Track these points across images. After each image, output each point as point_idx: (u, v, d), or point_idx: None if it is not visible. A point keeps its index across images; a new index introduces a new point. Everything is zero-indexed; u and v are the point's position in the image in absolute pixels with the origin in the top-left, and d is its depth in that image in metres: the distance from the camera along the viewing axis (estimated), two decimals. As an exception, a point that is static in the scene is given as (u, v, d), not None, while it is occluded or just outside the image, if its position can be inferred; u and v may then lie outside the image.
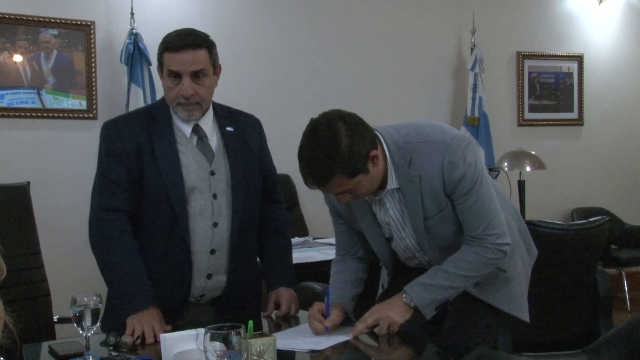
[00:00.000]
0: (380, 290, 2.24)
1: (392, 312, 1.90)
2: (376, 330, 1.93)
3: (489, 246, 1.91)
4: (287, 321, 2.15)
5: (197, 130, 2.12)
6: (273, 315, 2.18)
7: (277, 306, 2.19)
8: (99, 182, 2.09)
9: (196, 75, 2.04)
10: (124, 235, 2.04)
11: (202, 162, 2.10)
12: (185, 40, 2.02)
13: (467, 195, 1.88)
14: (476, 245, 1.91)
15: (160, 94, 4.14)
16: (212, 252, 2.11)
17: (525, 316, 2.07)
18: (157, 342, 1.84)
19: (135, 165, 2.05)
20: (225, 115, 2.19)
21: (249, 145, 2.20)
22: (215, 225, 2.10)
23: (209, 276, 2.12)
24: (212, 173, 2.11)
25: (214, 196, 2.10)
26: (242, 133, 2.20)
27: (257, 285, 2.30)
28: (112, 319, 2.01)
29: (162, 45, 2.06)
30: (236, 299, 2.17)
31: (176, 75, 2.04)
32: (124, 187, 2.05)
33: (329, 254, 3.62)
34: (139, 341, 1.89)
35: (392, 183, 1.90)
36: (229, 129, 2.17)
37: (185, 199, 2.06)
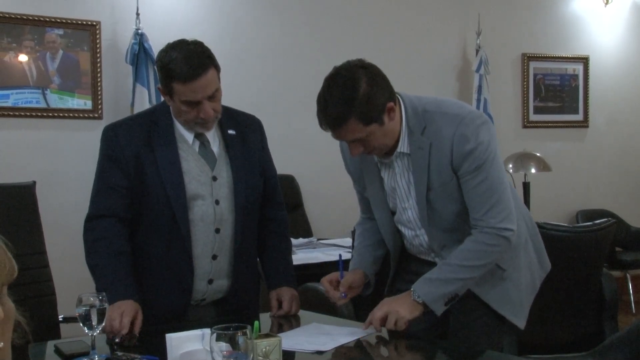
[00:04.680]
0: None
1: (400, 307, 1.89)
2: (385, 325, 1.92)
3: (488, 231, 1.88)
4: (288, 321, 2.14)
5: (199, 135, 2.09)
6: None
7: (279, 304, 2.18)
8: (96, 186, 2.09)
9: (212, 96, 2.00)
10: (110, 237, 2.04)
11: (204, 168, 2.08)
12: (195, 69, 1.93)
13: (475, 173, 1.87)
14: (476, 232, 1.90)
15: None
16: (214, 257, 2.10)
17: (518, 321, 2.02)
18: (155, 338, 1.84)
19: (135, 172, 2.03)
20: (226, 117, 2.15)
21: (250, 148, 2.18)
22: (217, 231, 2.09)
23: (210, 281, 2.11)
24: (214, 179, 2.09)
25: (216, 202, 2.09)
26: (244, 135, 2.18)
27: (256, 287, 2.29)
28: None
29: (169, 75, 1.95)
30: (237, 302, 2.16)
31: (193, 103, 1.99)
32: (121, 193, 2.04)
33: (333, 254, 3.62)
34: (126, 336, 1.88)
35: (403, 146, 1.91)
36: (231, 132, 2.14)
37: (186, 206, 2.04)
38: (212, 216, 2.08)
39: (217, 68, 2.01)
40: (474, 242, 1.91)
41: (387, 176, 2.00)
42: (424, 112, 1.90)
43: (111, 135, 2.08)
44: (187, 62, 1.93)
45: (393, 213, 2.05)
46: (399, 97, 1.92)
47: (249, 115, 2.27)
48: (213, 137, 2.12)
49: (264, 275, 2.29)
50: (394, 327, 1.89)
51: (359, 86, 1.79)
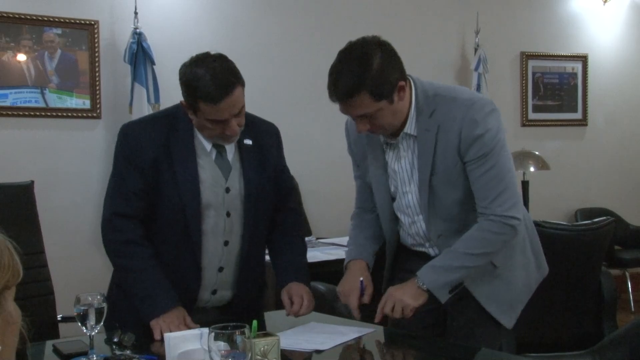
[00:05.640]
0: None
1: (405, 296, 1.90)
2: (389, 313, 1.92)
3: (494, 219, 1.88)
4: (287, 320, 2.11)
5: (217, 144, 2.05)
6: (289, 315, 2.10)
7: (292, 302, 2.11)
8: (113, 186, 2.05)
9: (239, 112, 1.96)
10: (141, 240, 2.02)
11: (218, 178, 2.05)
12: (222, 89, 1.88)
13: (482, 159, 1.86)
14: (482, 220, 1.90)
15: (163, 93, 4.17)
16: (220, 269, 2.08)
17: (505, 320, 2.00)
18: (162, 341, 1.84)
19: (152, 176, 2.00)
20: (245, 125, 2.07)
21: (266, 158, 2.13)
22: (226, 243, 2.07)
23: (214, 291, 2.10)
24: (227, 190, 2.05)
25: (227, 214, 2.06)
26: (260, 145, 2.13)
27: (260, 294, 2.26)
28: (115, 317, 1.99)
29: (194, 93, 1.90)
30: (239, 307, 2.14)
31: (218, 121, 1.94)
32: (139, 196, 2.01)
33: (332, 254, 3.62)
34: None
35: (410, 128, 1.92)
36: (247, 141, 2.09)
37: (200, 216, 2.02)
38: (222, 228, 2.05)
39: (243, 84, 1.96)
40: (480, 229, 1.90)
41: (391, 158, 2.00)
42: (435, 95, 1.92)
43: (129, 135, 2.04)
44: (214, 82, 1.88)
45: (393, 199, 2.05)
46: (410, 79, 1.93)
47: (268, 123, 2.22)
48: (230, 146, 2.08)
49: (275, 275, 2.23)
50: (402, 316, 1.90)
51: (372, 61, 1.81)
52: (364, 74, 1.79)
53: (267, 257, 2.29)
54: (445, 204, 1.94)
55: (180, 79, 1.96)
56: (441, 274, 1.90)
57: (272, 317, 2.24)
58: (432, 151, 1.90)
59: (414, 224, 2.03)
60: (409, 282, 1.93)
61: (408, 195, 1.99)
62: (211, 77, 1.89)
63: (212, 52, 1.97)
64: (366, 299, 1.99)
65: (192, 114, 1.98)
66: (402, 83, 1.86)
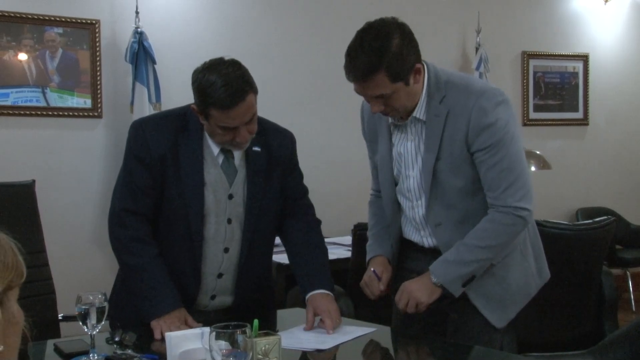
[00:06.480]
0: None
1: (419, 292, 1.92)
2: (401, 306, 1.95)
3: (504, 210, 1.88)
4: (288, 319, 2.12)
5: (225, 149, 2.04)
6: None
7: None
8: (123, 182, 2.05)
9: (250, 119, 1.94)
10: (147, 238, 2.02)
11: (223, 183, 2.03)
12: (234, 96, 1.86)
13: (491, 150, 1.86)
14: (493, 212, 1.90)
15: (164, 92, 4.17)
16: (219, 275, 2.08)
17: (494, 319, 1.98)
18: (162, 340, 1.84)
19: (158, 174, 2.00)
20: (257, 131, 2.03)
21: (274, 166, 2.11)
22: (226, 250, 2.06)
23: (213, 297, 2.10)
24: (230, 197, 2.04)
25: (229, 221, 2.05)
26: (269, 153, 2.10)
27: (267, 300, 2.23)
28: (119, 314, 1.99)
29: (206, 99, 1.88)
30: (240, 312, 2.12)
31: (229, 128, 1.92)
32: (147, 193, 2.01)
33: (333, 253, 3.61)
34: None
35: (419, 112, 1.92)
36: (256, 149, 2.07)
37: (203, 221, 2.01)
38: (223, 235, 2.05)
39: (255, 91, 1.94)
40: (490, 221, 1.90)
41: (397, 140, 2.01)
42: (447, 82, 1.92)
43: (139, 131, 2.03)
44: (226, 88, 1.86)
45: (395, 184, 2.05)
46: (424, 63, 1.93)
47: (282, 130, 2.20)
48: (238, 152, 2.06)
49: (297, 280, 2.18)
50: (415, 311, 1.92)
51: (391, 41, 1.81)
52: (383, 55, 1.79)
53: (273, 259, 2.28)
54: (446, 190, 1.94)
55: (193, 83, 1.94)
56: (453, 268, 1.90)
57: (280, 316, 2.24)
58: (439, 136, 1.90)
59: (413, 209, 2.03)
60: (423, 276, 1.94)
61: (410, 179, 2.00)
62: (223, 83, 1.86)
63: (227, 58, 1.94)
64: (382, 287, 2.02)
65: (203, 119, 1.96)
66: (418, 65, 1.87)
